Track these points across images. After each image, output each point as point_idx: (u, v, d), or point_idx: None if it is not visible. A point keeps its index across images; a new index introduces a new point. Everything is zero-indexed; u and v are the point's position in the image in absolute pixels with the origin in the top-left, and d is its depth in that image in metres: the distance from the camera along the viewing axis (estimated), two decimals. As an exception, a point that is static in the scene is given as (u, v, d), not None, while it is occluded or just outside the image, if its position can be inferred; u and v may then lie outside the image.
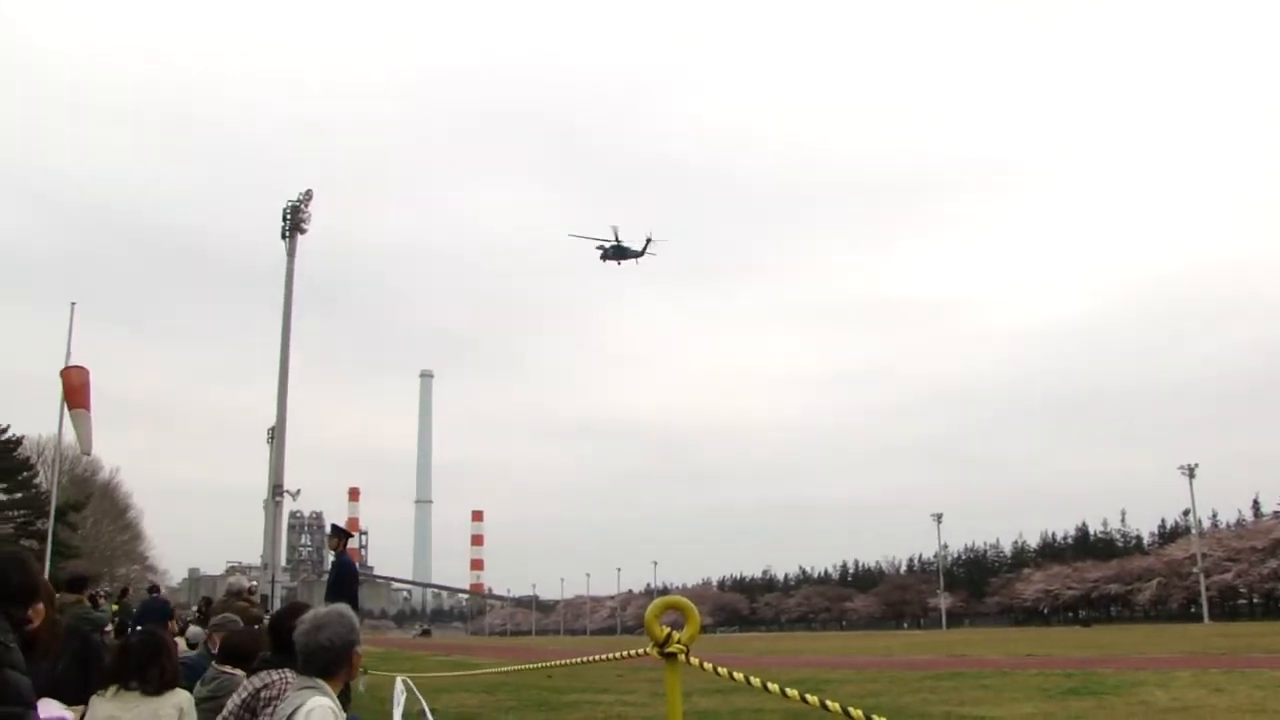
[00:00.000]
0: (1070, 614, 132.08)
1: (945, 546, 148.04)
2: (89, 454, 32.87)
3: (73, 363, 24.35)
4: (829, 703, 3.73)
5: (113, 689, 5.93)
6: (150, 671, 5.93)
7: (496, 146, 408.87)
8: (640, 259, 73.49)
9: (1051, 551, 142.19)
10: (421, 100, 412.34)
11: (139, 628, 14.64)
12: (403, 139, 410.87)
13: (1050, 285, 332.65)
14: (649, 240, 73.89)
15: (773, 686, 3.99)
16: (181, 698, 5.96)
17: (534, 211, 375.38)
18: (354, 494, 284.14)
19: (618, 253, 73.19)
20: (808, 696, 3.82)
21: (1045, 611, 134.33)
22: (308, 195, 48.45)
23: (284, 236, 47.94)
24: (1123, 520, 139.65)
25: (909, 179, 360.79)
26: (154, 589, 26.61)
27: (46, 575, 6.34)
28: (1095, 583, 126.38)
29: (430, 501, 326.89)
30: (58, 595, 11.65)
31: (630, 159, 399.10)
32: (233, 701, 6.16)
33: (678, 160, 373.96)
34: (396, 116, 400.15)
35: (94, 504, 70.49)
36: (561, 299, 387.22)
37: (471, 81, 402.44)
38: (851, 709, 3.64)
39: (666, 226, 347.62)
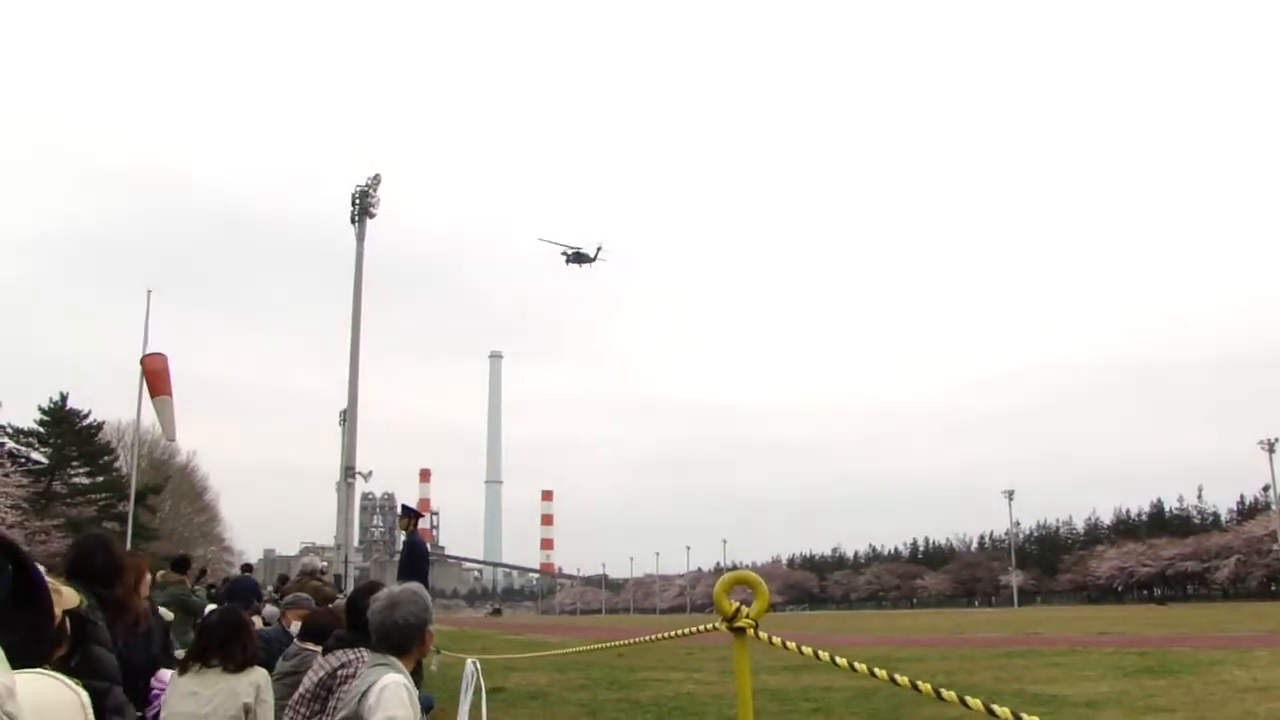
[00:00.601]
0: (1145, 592, 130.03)
1: (1017, 523, 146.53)
2: (173, 440, 33.29)
3: (151, 349, 24.59)
4: (898, 677, 3.73)
5: (195, 666, 6.07)
6: (231, 649, 6.06)
7: (567, 128, 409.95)
8: (593, 263, 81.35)
9: (1126, 528, 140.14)
10: (491, 83, 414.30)
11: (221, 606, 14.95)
12: (476, 121, 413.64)
13: (1134, 260, 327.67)
14: (599, 249, 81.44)
15: (841, 661, 4.00)
16: (259, 675, 6.08)
17: (603, 192, 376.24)
18: (425, 475, 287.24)
19: (577, 258, 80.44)
20: (877, 670, 3.83)
21: (1119, 589, 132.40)
22: (376, 180, 48.74)
23: (353, 221, 48.28)
24: (1199, 496, 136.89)
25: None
26: (247, 567, 27.12)
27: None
28: (1171, 560, 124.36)
29: (500, 482, 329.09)
30: (160, 573, 11.94)
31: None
32: (310, 679, 6.29)
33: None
34: (467, 98, 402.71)
35: (172, 487, 71.78)
36: (629, 278, 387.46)
37: (537, 69, 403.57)
38: (921, 683, 3.65)
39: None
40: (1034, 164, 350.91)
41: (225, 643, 6.08)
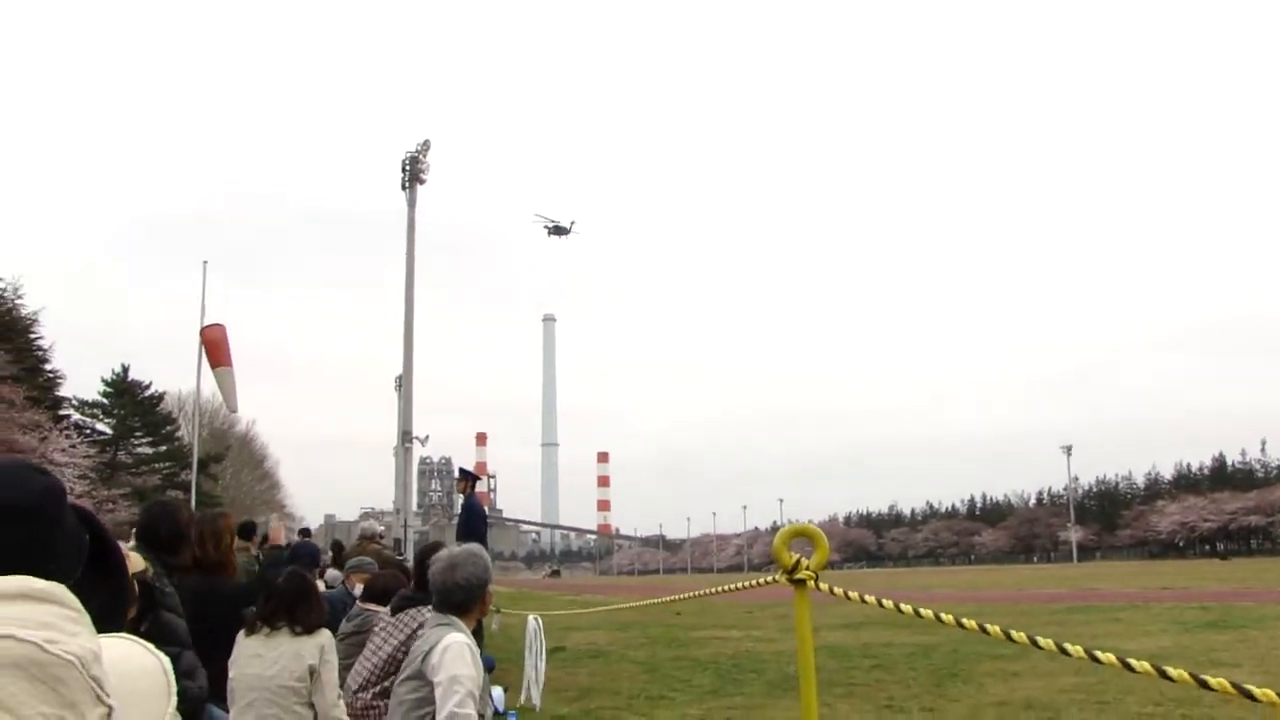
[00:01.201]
0: (1207, 547, 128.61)
1: (1075, 479, 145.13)
2: (235, 411, 33.41)
3: (208, 320, 24.60)
4: (965, 621, 3.68)
5: (263, 629, 6.17)
6: (299, 612, 6.14)
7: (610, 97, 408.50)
8: (568, 235, 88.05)
9: (1187, 483, 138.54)
10: (534, 53, 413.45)
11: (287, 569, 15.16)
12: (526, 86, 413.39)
13: (1188, 212, 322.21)
14: (573, 223, 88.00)
15: (906, 608, 3.99)
16: (324, 637, 6.14)
17: (653, 155, 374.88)
18: (481, 439, 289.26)
19: (557, 230, 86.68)
20: (943, 615, 3.79)
21: (1180, 544, 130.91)
22: (425, 146, 48.77)
23: (404, 187, 48.37)
24: (1263, 450, 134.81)
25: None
26: (305, 532, 27.22)
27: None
28: (1234, 514, 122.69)
29: (556, 444, 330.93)
30: None
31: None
32: (394, 640, 6.47)
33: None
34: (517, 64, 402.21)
35: (233, 455, 72.80)
36: (683, 240, 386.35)
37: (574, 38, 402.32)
38: (989, 626, 3.62)
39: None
40: (1087, 121, 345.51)
41: (293, 606, 6.15)
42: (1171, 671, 2.86)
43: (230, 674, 6.10)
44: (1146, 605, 24.97)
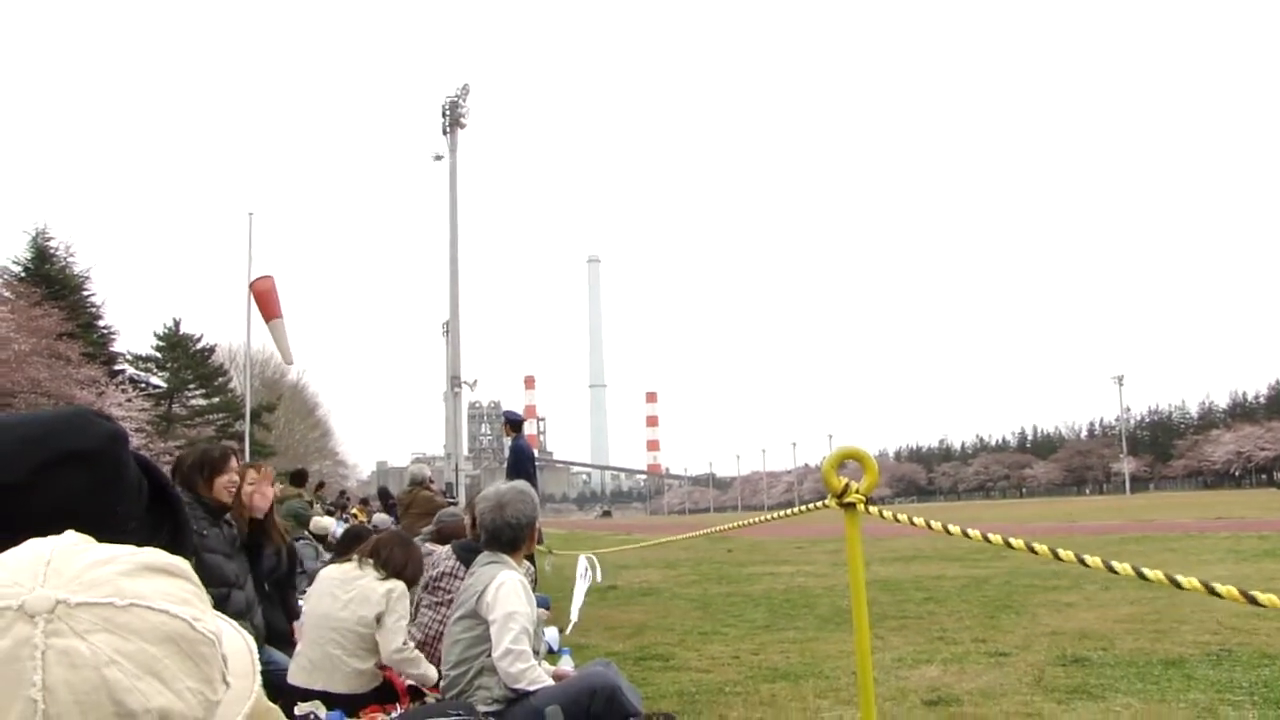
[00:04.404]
0: (1264, 476, 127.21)
1: (1128, 409, 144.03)
2: (291, 364, 33.31)
3: (256, 273, 24.66)
4: (1013, 540, 3.64)
5: (353, 560, 6.32)
6: (394, 560, 6.31)
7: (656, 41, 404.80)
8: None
9: (1242, 411, 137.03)
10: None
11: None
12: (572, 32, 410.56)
13: (1242, 138, 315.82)
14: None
15: (954, 529, 3.96)
16: (397, 585, 6.25)
17: (697, 92, 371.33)
18: (529, 382, 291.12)
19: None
20: (991, 536, 3.75)
21: (1236, 474, 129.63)
22: (465, 90, 48.68)
23: (445, 132, 48.43)
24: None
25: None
26: (299, 475, 26.82)
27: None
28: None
29: (604, 386, 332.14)
30: (280, 487, 12.23)
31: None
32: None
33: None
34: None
35: (285, 404, 73.60)
36: (721, 176, 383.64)
37: None
38: (1037, 544, 3.59)
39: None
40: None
41: (391, 549, 6.34)
42: (1220, 588, 2.83)
43: (304, 606, 6.23)
44: (1202, 535, 24.73)
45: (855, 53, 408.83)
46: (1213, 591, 2.83)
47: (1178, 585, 3.01)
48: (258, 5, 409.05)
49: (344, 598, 6.09)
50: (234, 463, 5.89)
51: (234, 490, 5.86)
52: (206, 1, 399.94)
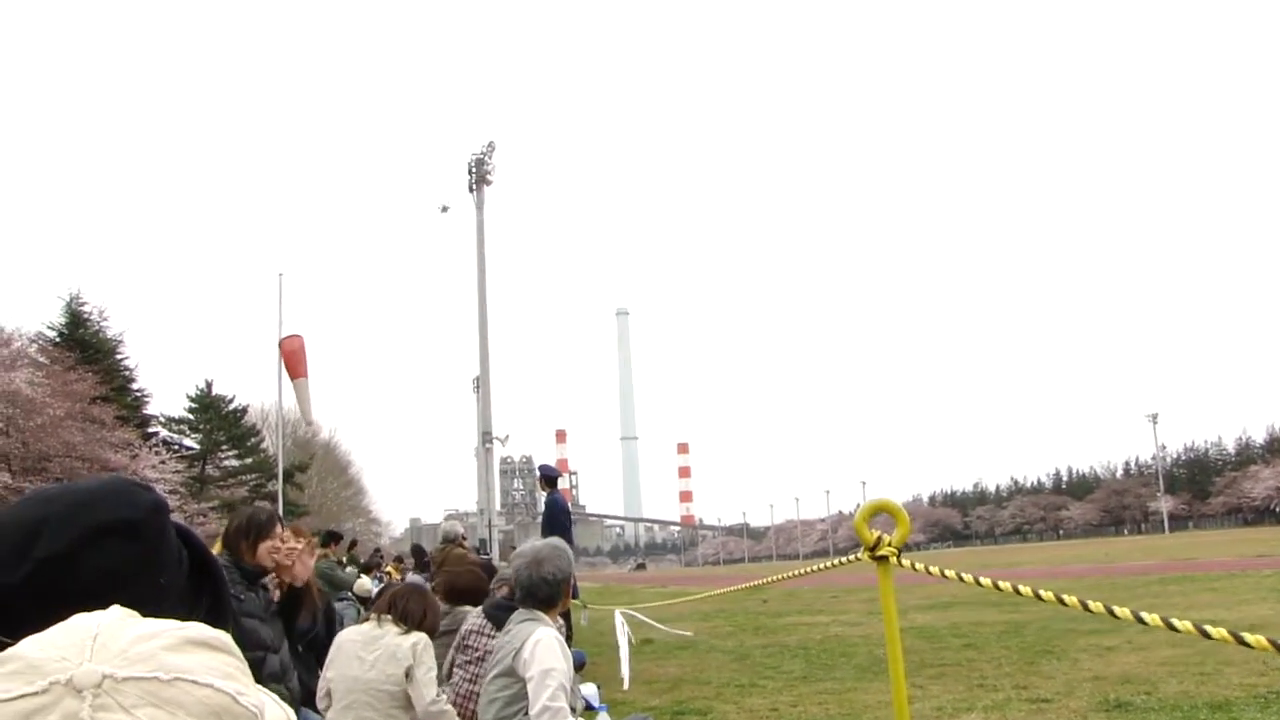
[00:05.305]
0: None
1: (1163, 447, 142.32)
2: (310, 423, 33.58)
3: (285, 332, 24.87)
4: (1066, 598, 3.63)
5: (374, 619, 6.35)
6: (413, 612, 6.32)
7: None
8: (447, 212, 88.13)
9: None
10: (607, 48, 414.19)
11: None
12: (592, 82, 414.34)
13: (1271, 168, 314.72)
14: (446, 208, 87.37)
15: (985, 582, 3.97)
16: (418, 638, 6.26)
17: (721, 145, 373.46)
18: (560, 436, 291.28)
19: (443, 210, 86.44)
20: (1021, 587, 3.76)
21: (1277, 510, 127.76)
22: (490, 147, 49.16)
23: (470, 190, 48.86)
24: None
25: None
26: (333, 535, 26.97)
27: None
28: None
29: (636, 438, 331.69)
30: None
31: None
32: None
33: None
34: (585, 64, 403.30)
35: (317, 464, 73.73)
36: (747, 226, 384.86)
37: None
38: (1092, 603, 3.58)
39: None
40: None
41: (407, 601, 6.36)
42: (1249, 638, 2.82)
43: (328, 673, 6.23)
44: (1244, 574, 24.42)
45: (877, 103, 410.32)
46: (1242, 642, 2.82)
47: (1207, 635, 3.00)
48: (286, 69, 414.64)
49: (369, 658, 6.09)
50: (279, 529, 5.92)
51: (277, 555, 5.89)
52: (236, 66, 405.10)
